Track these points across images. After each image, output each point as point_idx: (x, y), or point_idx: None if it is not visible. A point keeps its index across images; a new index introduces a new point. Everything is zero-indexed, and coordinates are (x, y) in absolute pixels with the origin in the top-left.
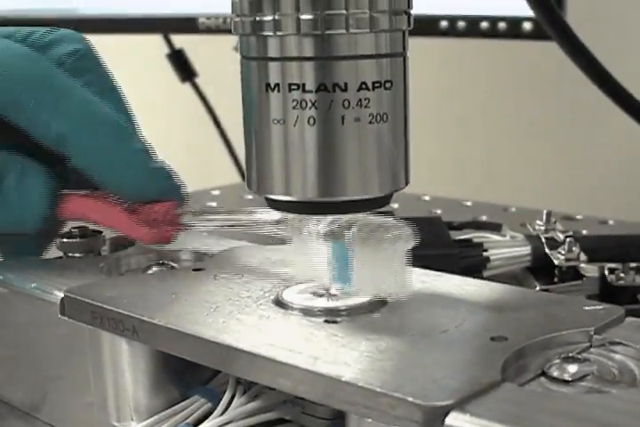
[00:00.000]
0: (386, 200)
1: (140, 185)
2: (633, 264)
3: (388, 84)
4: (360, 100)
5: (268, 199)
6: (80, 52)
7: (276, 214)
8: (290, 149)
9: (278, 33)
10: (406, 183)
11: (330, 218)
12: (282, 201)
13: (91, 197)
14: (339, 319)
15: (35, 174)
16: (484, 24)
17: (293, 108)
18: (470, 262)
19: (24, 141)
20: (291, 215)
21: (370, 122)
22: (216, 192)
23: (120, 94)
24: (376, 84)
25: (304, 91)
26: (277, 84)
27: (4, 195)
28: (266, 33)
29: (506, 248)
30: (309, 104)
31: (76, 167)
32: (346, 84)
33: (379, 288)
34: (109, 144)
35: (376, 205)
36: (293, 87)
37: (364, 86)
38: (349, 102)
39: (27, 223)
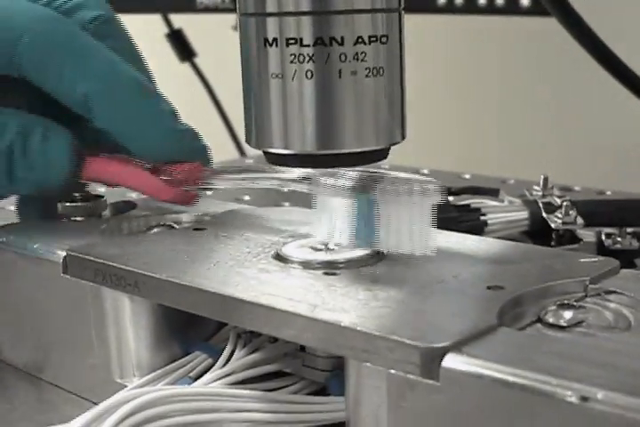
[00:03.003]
0: (383, 153)
1: (165, 146)
2: (629, 229)
3: (384, 39)
4: (357, 53)
5: (266, 153)
6: (103, 17)
7: (297, 171)
8: (288, 103)
9: None
10: (403, 137)
11: (354, 174)
12: (280, 154)
13: (114, 159)
14: (337, 271)
15: (58, 136)
16: (482, 0)
17: (291, 62)
18: (468, 226)
19: (47, 103)
20: (314, 172)
21: (366, 75)
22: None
23: (142, 59)
24: (372, 39)
25: (302, 45)
26: (275, 39)
27: (27, 156)
28: None
29: (503, 213)
30: (307, 58)
31: (99, 129)
32: (342, 37)
33: (403, 244)
34: (134, 104)
35: (373, 157)
36: (291, 42)
37: (360, 40)
38: (346, 56)
39: (49, 184)
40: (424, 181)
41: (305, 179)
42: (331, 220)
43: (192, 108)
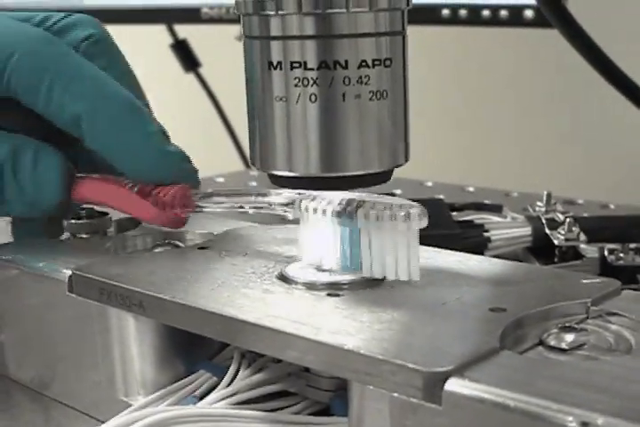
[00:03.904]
0: (386, 176)
1: (154, 168)
2: (632, 245)
3: (387, 62)
4: (360, 77)
5: (271, 175)
6: (95, 36)
7: (285, 196)
8: (292, 126)
9: (280, 12)
10: (406, 160)
11: (339, 199)
12: (284, 177)
13: (103, 181)
14: (341, 293)
15: (49, 157)
16: (486, 12)
17: (295, 85)
18: (472, 243)
19: (38, 124)
20: (299, 196)
21: (370, 99)
22: (220, 179)
23: (134, 78)
24: (376, 62)
25: (306, 68)
26: (280, 63)
27: (19, 178)
28: (268, 12)
29: (507, 229)
30: (311, 82)
31: (90, 149)
32: (346, 61)
33: (388, 270)
34: (124, 125)
35: (377, 180)
36: (295, 65)
37: (364, 64)
38: (350, 80)
39: (41, 207)
40: (407, 206)
41: (291, 204)
42: (316, 245)
43: (196, 119)
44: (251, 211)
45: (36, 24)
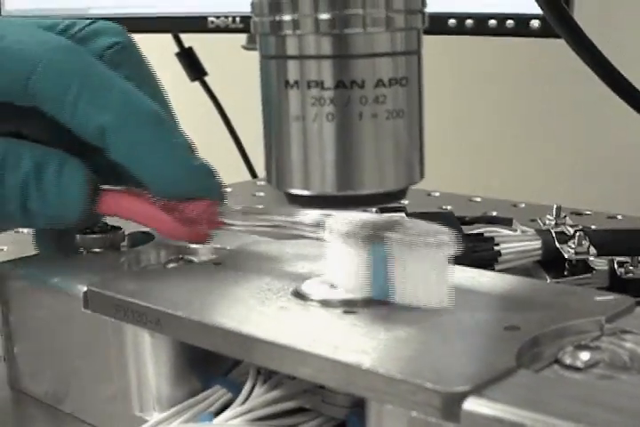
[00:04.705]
0: (402, 194)
1: (180, 182)
2: None
3: (403, 81)
4: (377, 96)
5: (287, 194)
6: (120, 44)
7: (314, 216)
8: (309, 145)
9: (297, 32)
10: (421, 177)
11: (368, 220)
12: (301, 196)
13: (128, 194)
14: (357, 310)
15: (74, 169)
16: (492, 22)
17: (312, 104)
18: (482, 256)
19: (62, 134)
20: (328, 218)
21: (386, 118)
22: (227, 189)
23: (160, 88)
24: (392, 81)
25: (322, 88)
26: (296, 82)
27: (42, 190)
28: (285, 32)
29: (517, 242)
30: (328, 101)
31: (115, 161)
32: (363, 81)
33: (419, 297)
34: (149, 138)
35: (392, 198)
36: (312, 84)
37: (380, 83)
38: (366, 99)
39: (65, 218)
40: (438, 232)
41: (318, 225)
42: (345, 270)
43: (202, 128)
44: (277, 230)
45: (61, 31)
